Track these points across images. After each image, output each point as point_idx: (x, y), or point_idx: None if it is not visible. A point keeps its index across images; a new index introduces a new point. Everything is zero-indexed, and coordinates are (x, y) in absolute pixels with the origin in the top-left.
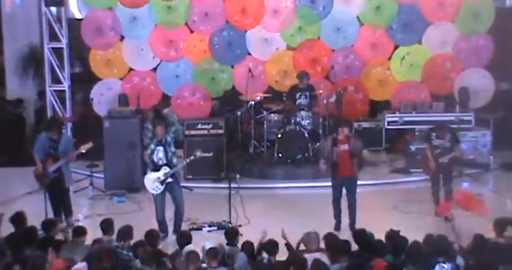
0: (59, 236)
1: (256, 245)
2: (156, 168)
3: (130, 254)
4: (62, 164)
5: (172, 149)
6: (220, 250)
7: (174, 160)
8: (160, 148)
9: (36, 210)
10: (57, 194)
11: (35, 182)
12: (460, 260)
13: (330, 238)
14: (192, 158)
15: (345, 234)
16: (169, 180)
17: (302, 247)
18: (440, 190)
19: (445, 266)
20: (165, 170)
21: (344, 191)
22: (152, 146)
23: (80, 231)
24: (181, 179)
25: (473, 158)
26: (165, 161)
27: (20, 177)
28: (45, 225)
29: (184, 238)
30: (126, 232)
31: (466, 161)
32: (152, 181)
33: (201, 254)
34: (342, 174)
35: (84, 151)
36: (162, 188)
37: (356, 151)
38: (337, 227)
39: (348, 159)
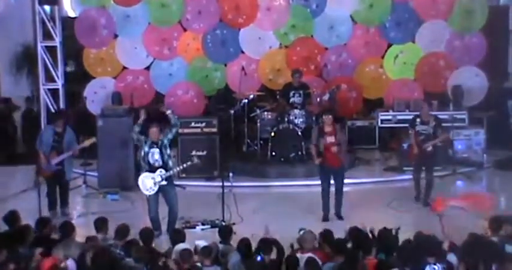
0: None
1: (257, 241)
2: (152, 169)
3: (122, 253)
4: (65, 158)
5: (168, 151)
6: (214, 248)
7: (170, 163)
8: (156, 150)
9: (31, 208)
10: (57, 186)
11: (29, 180)
12: (452, 258)
13: (325, 236)
14: (188, 163)
15: (340, 232)
16: (164, 182)
17: (297, 246)
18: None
19: (436, 267)
20: (161, 172)
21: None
22: (146, 149)
23: (68, 228)
24: (174, 178)
25: (467, 157)
26: (161, 163)
27: (15, 175)
28: (38, 223)
29: (178, 236)
30: (124, 231)
31: (460, 159)
32: (146, 182)
33: (194, 253)
34: (329, 165)
35: (87, 145)
36: (156, 189)
37: (343, 143)
38: (325, 218)
39: (335, 151)
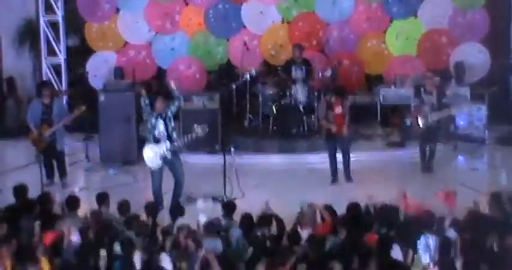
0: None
1: (256, 216)
2: (157, 141)
3: (125, 228)
4: (58, 129)
5: (173, 123)
6: (217, 224)
7: (175, 134)
8: (161, 121)
9: (32, 182)
10: (52, 156)
11: (31, 154)
12: (452, 233)
13: (328, 210)
14: (193, 135)
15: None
16: (169, 154)
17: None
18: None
19: (430, 237)
20: (166, 144)
21: None
22: (153, 120)
23: (74, 202)
24: (179, 150)
25: (469, 132)
26: (165, 135)
27: (17, 149)
28: (41, 198)
29: (177, 211)
30: (125, 206)
31: (461, 135)
32: (151, 155)
33: (196, 227)
34: (335, 134)
35: (78, 114)
36: (161, 162)
37: (347, 112)
38: (334, 180)
39: (342, 121)
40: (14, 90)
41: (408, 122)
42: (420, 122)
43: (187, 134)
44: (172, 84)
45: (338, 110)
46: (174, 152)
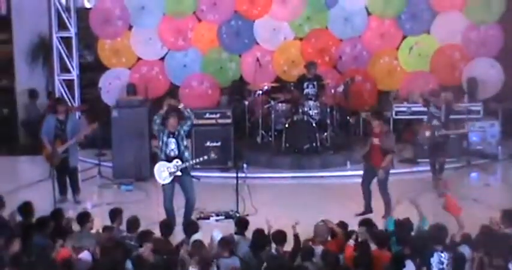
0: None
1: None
2: (168, 159)
3: (137, 244)
4: (70, 145)
5: (185, 142)
6: (231, 240)
7: (186, 154)
8: (173, 140)
9: (45, 198)
10: (66, 173)
11: (44, 170)
12: (465, 249)
13: (342, 227)
14: (205, 157)
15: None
16: (179, 173)
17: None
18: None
19: (443, 255)
20: (177, 162)
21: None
22: (164, 138)
23: (86, 219)
24: (190, 169)
25: (482, 148)
26: (177, 153)
27: (31, 165)
28: (53, 214)
29: (191, 227)
30: (135, 223)
31: (474, 151)
32: (161, 171)
33: (210, 243)
34: (372, 163)
35: (89, 132)
36: (170, 179)
37: (386, 148)
38: (367, 209)
39: (378, 153)
40: None
41: (421, 138)
42: (427, 136)
43: (199, 150)
44: (181, 106)
45: (376, 140)
46: (185, 170)
